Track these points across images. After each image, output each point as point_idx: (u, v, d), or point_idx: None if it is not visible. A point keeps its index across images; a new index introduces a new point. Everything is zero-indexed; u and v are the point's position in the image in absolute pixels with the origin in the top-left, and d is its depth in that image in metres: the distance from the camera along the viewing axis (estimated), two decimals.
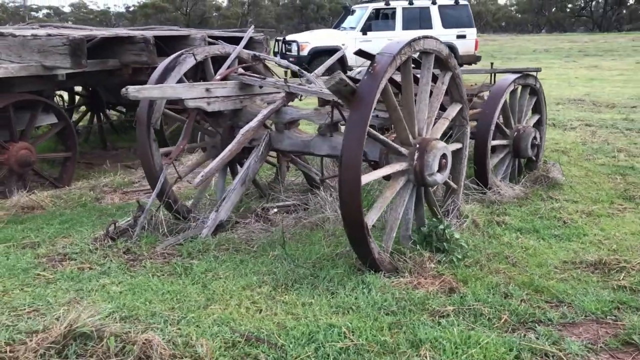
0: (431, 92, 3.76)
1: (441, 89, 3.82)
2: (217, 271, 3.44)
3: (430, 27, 13.82)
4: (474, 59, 14.03)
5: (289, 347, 2.58)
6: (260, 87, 4.45)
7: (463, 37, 13.85)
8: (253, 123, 4.10)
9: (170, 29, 7.50)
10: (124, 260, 3.66)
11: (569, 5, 74.67)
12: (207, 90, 4.17)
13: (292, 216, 4.48)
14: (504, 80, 5.03)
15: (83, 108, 8.21)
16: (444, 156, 3.58)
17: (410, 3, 13.86)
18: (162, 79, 4.20)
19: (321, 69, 4.77)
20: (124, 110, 8.63)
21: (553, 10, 75.51)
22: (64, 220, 4.48)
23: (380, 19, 13.93)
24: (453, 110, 4.01)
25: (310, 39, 13.49)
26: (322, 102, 4.07)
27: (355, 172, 3.04)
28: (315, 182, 4.90)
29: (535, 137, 5.25)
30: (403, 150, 3.47)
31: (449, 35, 13.73)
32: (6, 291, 3.19)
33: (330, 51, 12.44)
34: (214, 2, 76.67)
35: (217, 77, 4.42)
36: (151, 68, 6.08)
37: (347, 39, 13.43)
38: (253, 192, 5.05)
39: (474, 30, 14.21)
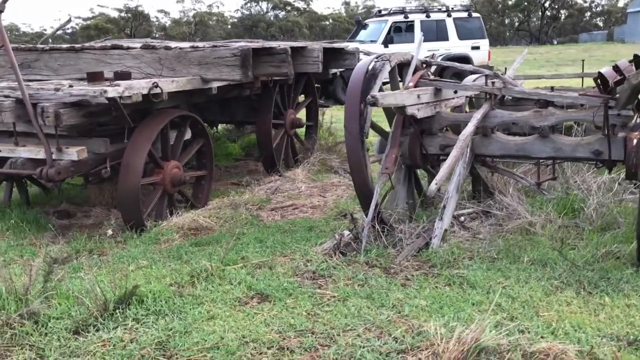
0: None
1: None
2: (497, 279, 3.33)
3: (446, 38, 14.11)
4: (487, 69, 14.36)
5: None
6: (455, 91, 4.39)
7: (477, 48, 14.20)
8: (470, 128, 4.02)
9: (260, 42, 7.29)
10: (380, 273, 3.49)
11: (506, 20, 78.44)
12: (418, 96, 4.07)
13: (487, 223, 4.41)
14: None
15: None
16: None
17: (428, 16, 14.11)
18: (367, 87, 4.06)
19: (511, 72, 4.74)
20: None
21: (493, 24, 79.10)
22: (257, 239, 4.23)
23: (400, 31, 14.10)
24: None
25: None
26: (544, 104, 4.02)
27: None
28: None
29: None
30: None
31: (464, 46, 14.05)
32: (312, 313, 2.97)
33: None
34: (157, 23, 75.90)
35: (410, 83, 4.33)
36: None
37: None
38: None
39: (486, 41, 14.61)
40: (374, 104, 3.58)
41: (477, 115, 4.09)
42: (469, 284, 3.28)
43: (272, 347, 2.65)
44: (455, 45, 14.10)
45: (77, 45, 5.19)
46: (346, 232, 3.96)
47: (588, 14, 76.90)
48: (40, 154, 4.17)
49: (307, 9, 69.84)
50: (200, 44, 4.92)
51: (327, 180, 6.38)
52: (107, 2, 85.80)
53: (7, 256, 3.96)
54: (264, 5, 70.17)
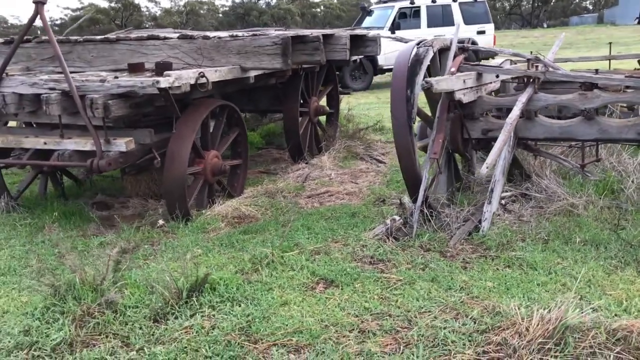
0: None
1: None
2: (554, 260, 3.39)
3: (452, 23, 14.07)
4: (493, 54, 14.39)
5: None
6: (497, 76, 4.42)
7: (483, 32, 14.21)
8: (515, 112, 4.05)
9: (259, 29, 7.27)
10: (438, 257, 3.55)
11: (497, 4, 78.28)
12: (464, 81, 4.10)
13: (528, 206, 4.46)
14: None
15: None
16: None
17: (433, 1, 14.09)
18: (412, 72, 4.09)
19: (551, 55, 4.77)
20: None
21: None
22: (304, 226, 4.25)
23: (405, 17, 14.09)
24: None
25: None
26: (589, 87, 4.07)
27: None
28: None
29: None
30: None
31: (470, 31, 14.03)
32: (383, 297, 3.02)
33: None
34: (147, 13, 75.14)
35: (452, 68, 4.35)
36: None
37: None
38: None
39: (491, 25, 14.62)
40: (429, 89, 3.62)
41: (522, 98, 4.13)
42: (528, 266, 3.34)
43: (353, 330, 2.70)
44: (461, 30, 14.08)
45: (111, 37, 5.18)
46: (397, 217, 4.00)
47: None
48: (88, 146, 4.18)
49: None
50: (239, 33, 4.93)
51: (354, 167, 6.41)
52: None
53: (60, 247, 3.98)
54: None
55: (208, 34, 4.90)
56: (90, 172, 4.06)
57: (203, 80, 4.17)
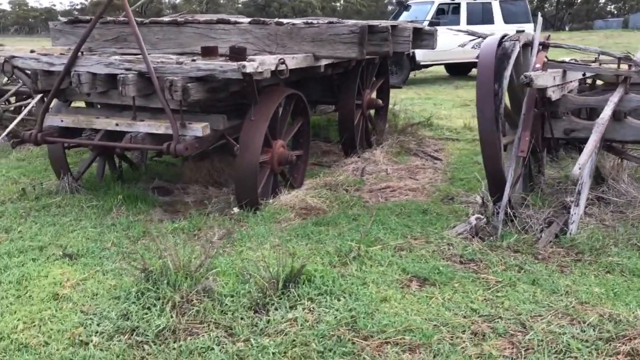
0: None
1: None
2: None
3: (492, 22, 13.87)
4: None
5: None
6: (584, 74, 4.27)
7: (522, 32, 13.96)
8: (607, 112, 3.91)
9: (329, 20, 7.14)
10: (532, 259, 3.41)
11: None
12: (554, 78, 3.96)
13: (607, 210, 4.31)
14: None
15: None
16: None
17: None
18: (500, 67, 3.95)
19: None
20: None
21: None
22: (376, 221, 4.13)
23: (445, 13, 13.89)
24: None
25: None
26: None
27: None
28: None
29: None
30: None
31: (509, 30, 13.77)
32: (487, 298, 2.90)
33: None
34: (167, 1, 75.09)
35: (537, 65, 4.20)
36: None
37: None
38: None
39: (531, 25, 14.33)
40: (529, 84, 3.48)
41: (614, 99, 3.98)
42: (631, 272, 3.20)
43: (465, 331, 2.58)
44: (500, 28, 13.83)
45: (179, 19, 5.07)
46: (480, 216, 3.87)
47: (602, 0, 75.94)
48: (161, 129, 4.08)
49: None
50: (314, 20, 4.80)
51: (409, 162, 6.28)
52: None
53: (133, 231, 3.90)
54: None
55: (281, 20, 4.78)
56: (165, 154, 3.95)
57: (283, 67, 4.06)
